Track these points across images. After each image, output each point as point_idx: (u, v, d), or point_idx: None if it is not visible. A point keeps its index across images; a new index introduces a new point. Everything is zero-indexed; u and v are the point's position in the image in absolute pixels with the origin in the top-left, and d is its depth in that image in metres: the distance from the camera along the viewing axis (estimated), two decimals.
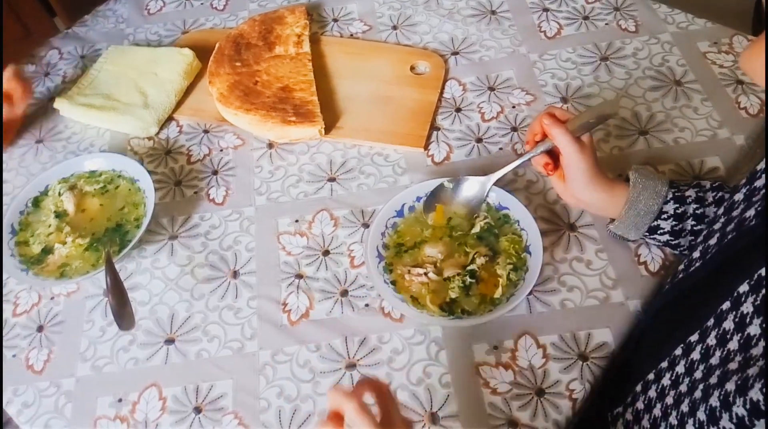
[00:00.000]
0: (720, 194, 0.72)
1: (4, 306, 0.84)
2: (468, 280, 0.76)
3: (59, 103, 1.02)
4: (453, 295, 0.75)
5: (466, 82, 1.02)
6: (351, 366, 0.75)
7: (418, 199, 0.83)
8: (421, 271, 0.77)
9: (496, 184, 0.80)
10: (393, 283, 0.77)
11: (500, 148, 0.93)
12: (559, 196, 0.80)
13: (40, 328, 0.82)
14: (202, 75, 1.06)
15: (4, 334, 0.82)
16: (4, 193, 0.96)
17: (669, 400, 0.59)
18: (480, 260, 0.77)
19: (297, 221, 0.88)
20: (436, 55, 1.05)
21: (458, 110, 0.98)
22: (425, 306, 0.75)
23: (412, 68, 1.04)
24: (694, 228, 0.72)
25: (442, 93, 1.00)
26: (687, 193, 0.72)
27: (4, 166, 1.00)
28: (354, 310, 0.79)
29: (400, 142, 0.94)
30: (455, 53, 1.06)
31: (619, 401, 0.69)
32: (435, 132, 0.96)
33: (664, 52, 1.01)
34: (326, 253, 0.85)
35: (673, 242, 0.74)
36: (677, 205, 0.72)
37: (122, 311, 0.74)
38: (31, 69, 1.14)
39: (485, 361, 0.74)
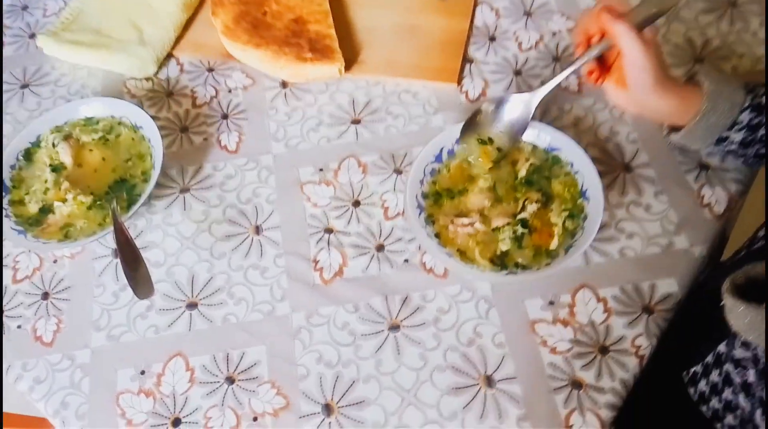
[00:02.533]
0: None
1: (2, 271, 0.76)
2: (520, 230, 0.69)
3: (43, 41, 0.91)
4: (504, 247, 0.68)
5: (499, 7, 0.91)
6: (394, 327, 0.69)
7: (458, 141, 0.75)
8: (466, 221, 0.70)
9: (542, 119, 0.71)
10: (437, 236, 0.70)
11: (542, 82, 0.84)
12: (616, 105, 0.71)
13: (45, 295, 0.74)
14: (203, 6, 0.95)
15: (4, 303, 0.74)
16: None
17: (750, 376, 0.53)
18: (531, 207, 0.69)
19: (321, 170, 0.80)
20: None
21: (492, 39, 0.89)
22: (474, 260, 0.68)
23: None
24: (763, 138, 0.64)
25: (472, 20, 0.90)
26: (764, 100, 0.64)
27: None
28: (392, 266, 0.72)
29: (429, 77, 0.85)
30: None
31: (694, 359, 0.64)
32: (468, 65, 0.87)
33: None
34: (356, 203, 0.77)
35: (740, 152, 0.67)
36: (753, 115, 0.63)
37: (138, 277, 0.66)
38: (7, 2, 1.01)
39: (541, 318, 0.68)
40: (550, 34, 0.88)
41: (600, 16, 0.63)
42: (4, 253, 0.78)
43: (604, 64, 0.68)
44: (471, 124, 0.73)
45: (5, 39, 0.97)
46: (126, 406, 0.67)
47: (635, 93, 0.65)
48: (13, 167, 0.78)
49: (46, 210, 0.75)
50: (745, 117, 0.64)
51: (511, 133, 0.73)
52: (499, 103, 0.73)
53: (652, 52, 0.62)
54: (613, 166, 0.76)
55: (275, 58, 0.83)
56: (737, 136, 0.65)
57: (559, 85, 0.70)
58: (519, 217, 0.69)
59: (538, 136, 0.74)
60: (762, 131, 0.64)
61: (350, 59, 0.86)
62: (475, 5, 0.92)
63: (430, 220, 0.71)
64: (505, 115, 0.73)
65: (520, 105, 0.72)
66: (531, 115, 0.72)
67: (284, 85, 0.88)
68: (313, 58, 0.83)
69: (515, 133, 0.73)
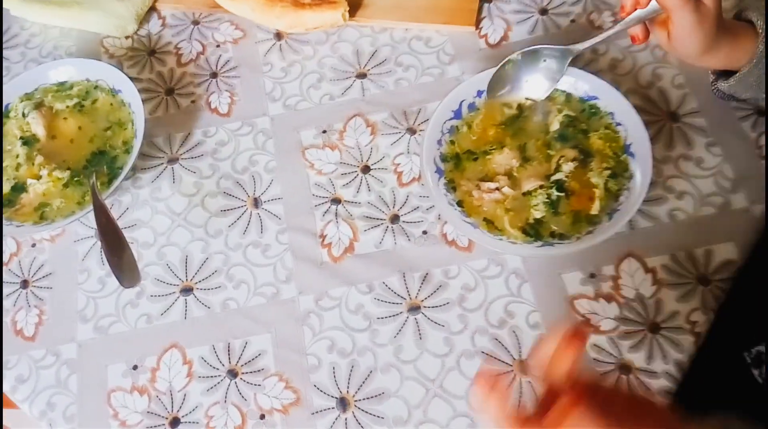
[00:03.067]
0: None
1: None
2: (555, 193, 0.60)
3: (8, 1, 0.81)
4: (537, 214, 0.60)
5: None
6: (414, 308, 0.61)
7: (479, 93, 0.66)
8: (492, 185, 0.61)
9: (579, 65, 0.62)
10: (459, 204, 0.61)
11: (572, 21, 0.73)
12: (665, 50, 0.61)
13: (24, 284, 0.67)
14: None
15: None
16: None
17: None
18: (567, 166, 0.60)
19: (325, 132, 0.71)
20: None
21: None
22: (504, 230, 0.59)
23: None
24: None
25: None
26: None
27: None
28: (409, 239, 0.64)
29: (443, 20, 0.75)
30: None
31: (759, 336, 0.56)
32: (486, 5, 0.76)
33: None
34: (366, 169, 0.68)
35: None
36: None
37: (122, 263, 0.58)
38: None
39: (581, 293, 0.59)
40: None
41: None
42: None
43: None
44: (498, 78, 0.64)
45: None
46: (118, 406, 0.60)
47: (684, 53, 0.57)
48: None
49: (18, 188, 0.67)
50: None
51: (540, 88, 0.64)
52: (530, 55, 0.63)
53: (708, 17, 0.53)
54: (658, 115, 0.66)
55: (269, 6, 0.73)
56: None
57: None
58: (553, 178, 0.60)
59: (574, 83, 0.64)
60: None
61: (353, 3, 0.76)
62: None
63: (451, 186, 0.62)
64: (535, 71, 0.64)
65: (553, 59, 0.63)
66: (564, 71, 0.62)
67: (279, 36, 0.78)
68: (312, 4, 0.73)
69: (545, 89, 0.64)
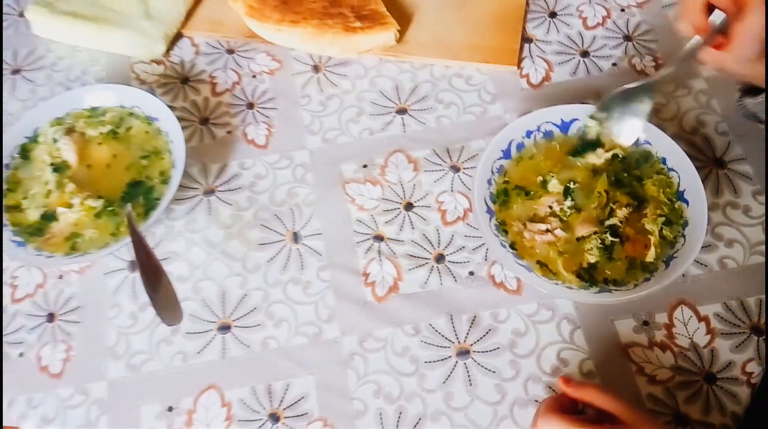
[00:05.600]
0: None
1: None
2: (609, 238, 0.59)
3: (33, 14, 0.80)
4: (591, 259, 0.59)
5: None
6: (463, 353, 0.59)
7: (528, 134, 0.65)
8: (542, 226, 0.60)
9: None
10: (512, 246, 0.60)
11: (614, 64, 0.74)
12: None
13: (50, 317, 0.64)
14: None
15: (3, 326, 0.64)
16: None
17: None
18: (622, 212, 0.60)
19: (366, 166, 0.70)
20: None
21: (553, 15, 0.78)
22: (559, 274, 0.58)
23: None
24: None
25: None
26: None
27: None
28: (456, 280, 0.62)
29: (484, 58, 0.75)
30: None
31: None
32: (527, 45, 0.76)
33: None
34: (409, 206, 0.67)
35: None
36: None
37: (163, 299, 0.56)
38: None
39: (635, 341, 0.58)
40: (618, 9, 0.78)
41: None
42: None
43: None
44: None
45: None
46: None
47: (740, 62, 0.55)
48: (7, 166, 0.67)
49: (48, 217, 0.64)
50: None
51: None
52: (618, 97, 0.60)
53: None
54: (704, 162, 0.66)
55: (320, 34, 0.72)
56: None
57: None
58: (607, 223, 0.60)
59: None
60: None
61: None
62: None
63: (503, 227, 0.61)
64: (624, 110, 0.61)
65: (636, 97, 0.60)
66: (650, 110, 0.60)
67: (317, 69, 0.77)
68: (363, 27, 0.73)
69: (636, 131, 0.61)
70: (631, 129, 0.61)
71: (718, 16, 0.54)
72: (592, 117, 0.61)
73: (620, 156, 0.63)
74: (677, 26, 0.57)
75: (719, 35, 0.55)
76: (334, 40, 0.72)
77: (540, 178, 0.63)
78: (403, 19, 0.77)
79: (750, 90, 0.60)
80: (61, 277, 0.66)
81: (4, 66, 0.81)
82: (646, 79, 0.59)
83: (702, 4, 0.55)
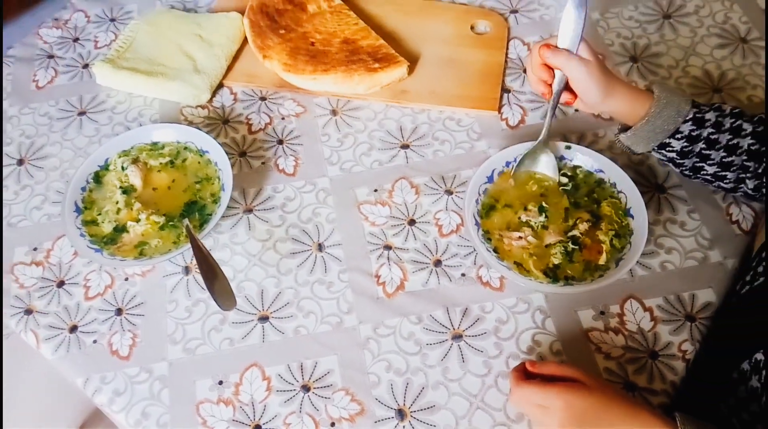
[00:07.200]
0: (738, 122, 0.72)
1: (74, 289, 0.80)
2: (570, 246, 0.75)
3: (99, 68, 0.95)
4: (555, 260, 0.74)
5: (530, 42, 0.99)
6: (457, 337, 0.73)
7: (507, 163, 0.81)
8: (517, 234, 0.76)
9: (579, 142, 0.78)
10: (495, 250, 0.75)
11: (576, 110, 0.91)
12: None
13: (118, 312, 0.78)
14: (247, 41, 1.00)
15: (78, 319, 0.77)
16: (50, 167, 0.90)
17: None
18: (583, 226, 0.75)
19: (376, 190, 0.85)
20: (495, 13, 1.02)
21: (526, 71, 0.95)
22: (531, 272, 0.74)
23: (472, 28, 1.00)
24: (703, 151, 0.72)
25: (507, 53, 0.97)
26: (707, 116, 0.72)
27: (45, 140, 0.93)
28: (451, 280, 0.77)
29: (471, 105, 0.92)
30: (514, 11, 1.02)
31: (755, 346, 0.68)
32: (506, 94, 0.93)
33: (726, 9, 1.00)
34: (412, 222, 0.82)
35: (677, 161, 0.75)
36: (694, 127, 0.72)
37: (220, 290, 0.70)
38: (57, 33, 1.06)
39: (594, 327, 0.73)
40: None
41: (540, 54, 0.73)
42: (75, 272, 0.81)
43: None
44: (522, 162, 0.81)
45: (59, 68, 1.01)
46: (207, 415, 0.70)
47: (589, 105, 0.75)
48: (83, 189, 0.82)
49: (120, 229, 0.79)
50: (686, 128, 0.72)
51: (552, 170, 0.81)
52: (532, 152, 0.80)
53: (593, 66, 0.72)
54: (648, 187, 0.83)
55: (348, 77, 0.90)
56: (677, 145, 0.73)
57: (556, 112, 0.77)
58: (570, 234, 0.75)
59: (584, 159, 0.80)
60: (700, 145, 0.72)
61: (397, 92, 0.93)
62: (509, 39, 0.99)
63: (486, 236, 0.76)
64: (541, 157, 0.80)
65: (540, 151, 0.80)
66: (556, 157, 0.80)
67: (334, 112, 0.93)
68: (381, 67, 0.91)
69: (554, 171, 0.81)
70: (552, 169, 0.80)
71: (559, 75, 0.74)
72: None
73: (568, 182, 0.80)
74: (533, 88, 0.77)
75: (567, 90, 0.75)
76: (360, 80, 0.90)
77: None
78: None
79: (624, 128, 0.77)
80: (126, 279, 0.80)
81: (71, 109, 0.96)
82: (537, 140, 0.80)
83: (539, 69, 0.74)
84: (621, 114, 0.76)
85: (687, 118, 0.72)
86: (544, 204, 0.78)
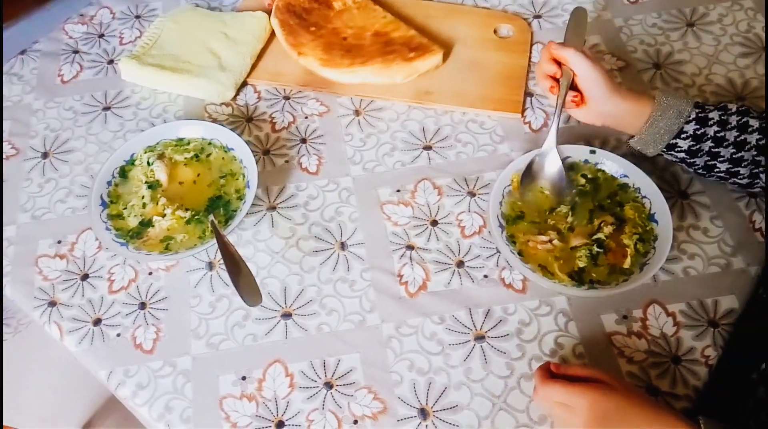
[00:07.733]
0: (745, 119, 0.73)
1: (98, 282, 0.80)
2: (596, 249, 0.75)
3: (126, 64, 0.96)
4: (581, 264, 0.74)
5: None
6: (480, 338, 0.74)
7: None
8: (544, 238, 0.76)
9: (602, 147, 0.81)
10: (519, 253, 0.75)
11: (579, 121, 0.91)
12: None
13: (142, 306, 0.78)
14: (273, 38, 1.01)
15: (102, 312, 0.78)
16: (75, 161, 0.91)
17: None
18: (607, 229, 0.76)
19: (399, 191, 0.86)
20: (518, 18, 1.02)
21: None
22: (555, 275, 0.74)
23: (495, 32, 1.00)
24: (712, 150, 0.74)
25: (530, 57, 0.98)
26: (710, 115, 0.74)
27: (69, 134, 0.94)
28: (473, 281, 0.78)
29: (494, 107, 0.92)
30: (537, 16, 1.03)
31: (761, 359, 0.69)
32: (528, 98, 0.94)
33: (749, 18, 1.00)
34: (434, 223, 0.83)
35: (688, 160, 0.76)
36: (698, 127, 0.73)
37: (245, 285, 0.71)
38: (82, 29, 1.07)
39: (617, 331, 0.73)
40: None
41: (549, 49, 0.77)
42: (99, 265, 0.81)
43: (577, 89, 0.79)
44: (528, 173, 0.81)
45: (84, 64, 1.02)
46: (230, 410, 0.71)
47: (594, 104, 0.77)
48: (109, 184, 0.83)
49: (145, 223, 0.80)
50: (690, 127, 0.74)
51: (557, 182, 0.81)
52: (532, 161, 0.81)
53: (599, 64, 0.75)
54: (671, 193, 0.83)
55: (387, 67, 0.92)
56: (685, 144, 0.75)
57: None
58: (595, 237, 0.76)
59: (609, 165, 0.81)
60: (708, 143, 0.74)
61: (420, 93, 0.93)
62: (532, 44, 0.99)
63: (511, 240, 0.77)
64: (546, 170, 0.81)
65: (547, 158, 0.81)
66: (561, 163, 0.81)
67: (357, 112, 0.94)
68: (417, 55, 0.93)
69: (560, 182, 0.81)
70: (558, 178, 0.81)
71: (566, 75, 0.76)
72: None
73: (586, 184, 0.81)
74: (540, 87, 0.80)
75: (574, 91, 0.77)
76: (399, 69, 0.92)
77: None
78: (429, 76, 0.95)
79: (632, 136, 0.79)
80: (150, 273, 0.80)
81: (96, 104, 0.97)
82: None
83: (546, 63, 0.78)
84: (624, 119, 0.77)
85: (690, 119, 0.73)
86: (576, 199, 0.79)
